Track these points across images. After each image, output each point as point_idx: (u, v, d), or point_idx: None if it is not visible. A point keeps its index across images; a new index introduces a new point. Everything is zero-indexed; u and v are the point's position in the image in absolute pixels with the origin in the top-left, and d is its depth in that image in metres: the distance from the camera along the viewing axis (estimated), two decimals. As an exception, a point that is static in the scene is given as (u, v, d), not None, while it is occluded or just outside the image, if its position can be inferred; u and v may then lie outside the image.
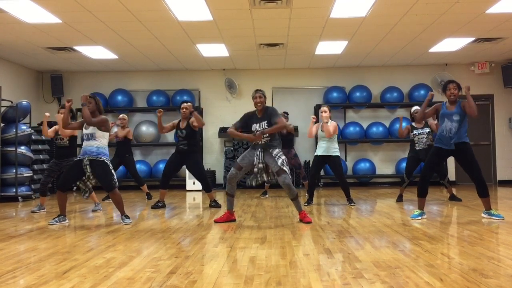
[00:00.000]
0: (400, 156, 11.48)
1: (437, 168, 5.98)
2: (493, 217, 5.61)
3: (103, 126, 5.78)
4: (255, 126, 5.61)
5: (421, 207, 5.83)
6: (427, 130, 7.42)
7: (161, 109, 7.25)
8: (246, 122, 5.75)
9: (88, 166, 5.63)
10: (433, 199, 8.02)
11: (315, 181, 7.59)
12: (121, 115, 8.61)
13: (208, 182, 7.37)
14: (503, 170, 11.59)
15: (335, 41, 9.16)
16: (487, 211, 5.70)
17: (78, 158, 5.75)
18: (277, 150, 5.56)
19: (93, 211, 7.10)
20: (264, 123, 5.56)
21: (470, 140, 5.70)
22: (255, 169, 5.57)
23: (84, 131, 5.79)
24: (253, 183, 5.73)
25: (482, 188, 5.56)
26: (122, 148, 8.47)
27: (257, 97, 5.62)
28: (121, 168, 8.91)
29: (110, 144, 6.29)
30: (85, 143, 5.75)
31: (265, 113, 5.62)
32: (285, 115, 8.83)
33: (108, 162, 5.74)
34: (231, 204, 5.83)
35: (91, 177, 5.68)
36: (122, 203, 5.81)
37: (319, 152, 7.28)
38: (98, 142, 5.72)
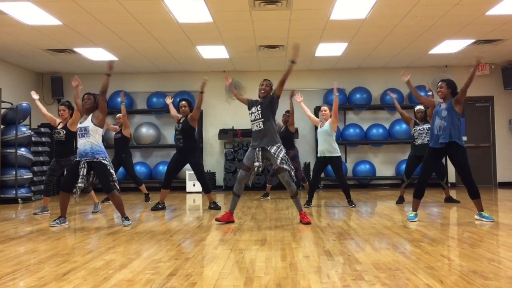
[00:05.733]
0: (400, 158, 11.47)
1: (435, 168, 5.99)
2: (483, 219, 5.61)
3: (102, 114, 5.68)
4: (253, 110, 5.73)
5: (415, 208, 5.84)
6: (427, 126, 7.45)
7: (169, 97, 7.82)
8: (249, 103, 5.89)
9: (84, 169, 5.58)
10: (433, 201, 8.02)
11: (316, 183, 7.59)
12: (117, 115, 8.64)
13: (207, 183, 7.38)
14: (504, 172, 11.57)
15: (335, 43, 9.17)
16: (479, 212, 5.71)
17: (76, 159, 5.73)
18: (275, 147, 5.59)
19: (93, 212, 7.10)
20: (258, 107, 5.67)
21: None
22: (255, 168, 5.64)
23: (79, 125, 5.74)
24: (249, 183, 5.86)
25: (472, 190, 5.59)
26: (118, 147, 8.47)
27: (261, 85, 5.78)
28: (120, 169, 8.89)
29: (108, 146, 6.30)
30: (79, 142, 5.67)
31: (265, 99, 5.71)
32: (287, 114, 8.84)
33: (106, 161, 5.66)
34: (235, 204, 5.85)
35: (86, 178, 5.63)
36: (122, 204, 5.79)
37: (321, 154, 7.27)
38: (92, 140, 5.61)
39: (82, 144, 5.63)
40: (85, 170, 5.59)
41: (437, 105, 5.78)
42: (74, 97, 6.28)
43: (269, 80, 5.83)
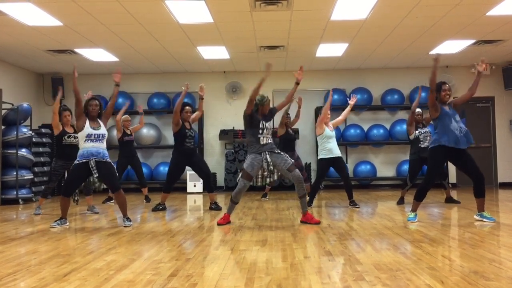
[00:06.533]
0: (401, 159, 11.47)
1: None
2: (485, 219, 5.59)
3: (106, 120, 5.91)
4: (264, 123, 5.69)
5: (415, 209, 5.81)
6: (428, 129, 7.47)
7: (188, 84, 7.14)
8: (255, 115, 5.74)
9: (95, 168, 5.59)
10: (433, 202, 8.01)
11: (319, 185, 7.58)
12: (124, 116, 8.65)
13: (211, 181, 7.42)
14: (504, 172, 11.58)
15: (336, 43, 9.17)
16: (479, 213, 5.68)
17: (81, 161, 5.60)
18: (278, 150, 5.75)
19: (95, 213, 7.11)
20: (269, 124, 5.79)
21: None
22: (265, 173, 5.60)
23: (93, 131, 5.68)
24: (266, 182, 5.70)
25: (482, 187, 5.51)
26: (130, 148, 8.56)
27: (269, 103, 5.80)
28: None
29: (111, 147, 6.31)
30: (91, 144, 5.63)
31: (270, 115, 5.87)
32: (287, 115, 8.86)
33: (112, 163, 5.78)
34: (232, 209, 5.88)
35: (96, 179, 5.64)
36: (126, 204, 5.81)
37: (326, 155, 7.22)
38: (104, 144, 5.74)
39: (95, 146, 5.66)
40: (96, 170, 5.60)
41: (442, 108, 5.59)
42: (78, 95, 5.77)
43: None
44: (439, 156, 5.59)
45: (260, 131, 5.66)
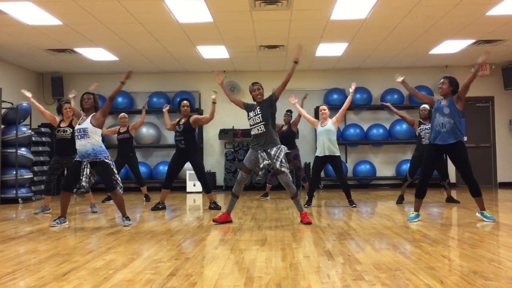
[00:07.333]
0: (401, 158, 11.47)
1: (436, 165, 5.96)
2: (485, 219, 5.61)
3: (104, 117, 5.71)
4: (251, 114, 5.72)
5: (417, 208, 5.82)
6: None
7: (167, 105, 7.69)
8: (246, 107, 5.90)
9: (87, 169, 5.57)
10: (433, 201, 8.01)
11: (316, 183, 7.58)
12: (121, 114, 8.68)
13: (207, 183, 7.39)
14: (504, 172, 11.57)
15: (336, 43, 9.17)
16: (480, 211, 5.72)
17: (77, 159, 5.68)
18: (275, 149, 5.62)
19: (93, 212, 7.11)
20: (257, 110, 5.67)
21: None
22: (261, 165, 5.62)
23: (77, 126, 5.69)
24: (260, 173, 5.74)
25: (473, 188, 5.61)
26: (126, 147, 8.53)
27: (255, 90, 5.77)
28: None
29: (110, 146, 6.30)
30: (78, 143, 5.62)
31: (263, 102, 5.75)
32: (288, 113, 8.84)
33: (108, 160, 5.68)
34: (233, 205, 5.90)
35: (92, 176, 5.64)
36: (123, 204, 5.80)
37: (322, 153, 7.26)
38: (92, 141, 5.57)
39: (83, 145, 5.60)
40: (88, 170, 5.58)
41: (437, 102, 5.75)
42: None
43: (258, 83, 5.86)
44: (430, 152, 5.74)
45: (250, 124, 5.71)
